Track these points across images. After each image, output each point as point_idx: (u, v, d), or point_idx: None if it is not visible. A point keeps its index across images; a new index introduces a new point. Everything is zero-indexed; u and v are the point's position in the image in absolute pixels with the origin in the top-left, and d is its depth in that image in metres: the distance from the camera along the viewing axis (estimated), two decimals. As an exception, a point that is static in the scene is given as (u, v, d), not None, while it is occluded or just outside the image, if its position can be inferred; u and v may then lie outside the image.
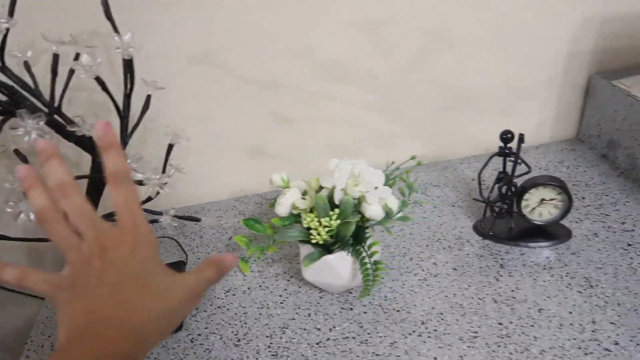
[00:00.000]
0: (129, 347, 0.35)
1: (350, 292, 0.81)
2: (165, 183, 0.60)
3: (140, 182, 0.58)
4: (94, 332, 0.35)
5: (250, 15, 0.88)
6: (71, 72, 0.59)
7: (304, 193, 0.78)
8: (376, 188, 0.74)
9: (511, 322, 0.73)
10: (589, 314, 0.72)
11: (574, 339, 0.69)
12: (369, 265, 0.71)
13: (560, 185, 0.81)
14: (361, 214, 0.74)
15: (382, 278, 0.80)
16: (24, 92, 0.58)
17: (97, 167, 0.64)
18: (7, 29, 0.54)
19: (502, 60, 1.00)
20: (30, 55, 0.65)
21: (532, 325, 0.72)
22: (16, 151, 0.71)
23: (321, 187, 0.75)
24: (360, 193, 0.72)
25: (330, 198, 0.73)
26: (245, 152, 1.04)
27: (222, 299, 0.83)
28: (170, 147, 0.72)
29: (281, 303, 0.81)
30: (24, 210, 0.48)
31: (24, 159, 0.71)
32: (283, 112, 0.98)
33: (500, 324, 0.73)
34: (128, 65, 0.60)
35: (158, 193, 0.61)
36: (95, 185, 0.67)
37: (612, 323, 0.70)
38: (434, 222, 0.93)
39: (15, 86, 0.58)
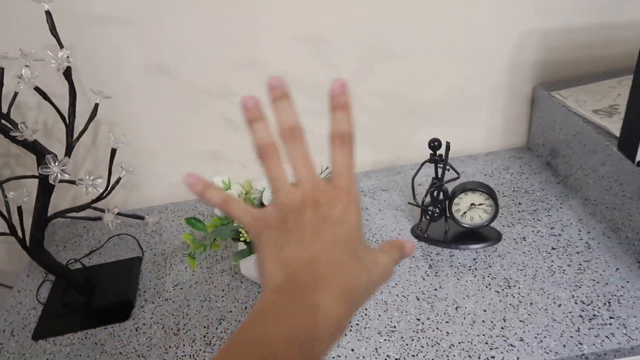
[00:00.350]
0: (341, 312, 0.32)
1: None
2: (99, 184, 0.66)
3: (73, 182, 0.65)
4: (311, 284, 0.33)
5: (200, 29, 0.95)
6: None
7: (241, 195, 0.85)
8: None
9: (428, 318, 0.78)
10: (502, 312, 0.77)
11: (483, 334, 0.74)
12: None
13: (487, 192, 0.86)
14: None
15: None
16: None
17: (40, 164, 0.71)
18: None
19: (447, 72, 1.05)
20: (-13, 68, 0.72)
21: (446, 322, 0.77)
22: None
23: (253, 189, 0.82)
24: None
25: (262, 200, 0.80)
26: (208, 156, 1.10)
27: (170, 292, 0.89)
28: (113, 150, 0.79)
29: (222, 297, 0.87)
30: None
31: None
32: (236, 119, 1.05)
33: (418, 319, 0.78)
34: (67, 78, 0.67)
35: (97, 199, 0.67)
36: (44, 185, 0.74)
37: (521, 321, 0.75)
38: (375, 225, 0.99)
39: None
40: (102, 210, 0.83)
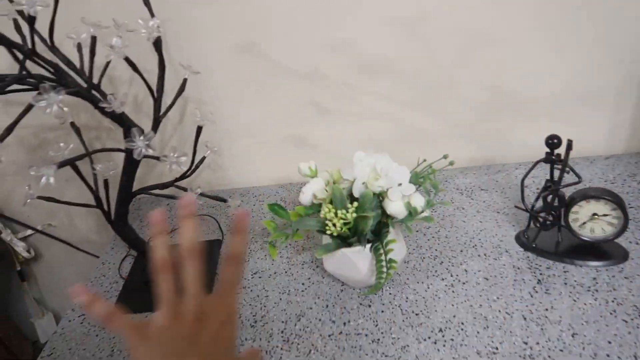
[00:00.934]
0: None
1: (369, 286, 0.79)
2: (184, 162, 0.63)
3: (157, 158, 0.62)
4: None
5: (290, 7, 0.88)
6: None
7: (328, 183, 0.78)
8: (400, 185, 0.71)
9: (538, 343, 0.67)
10: (632, 346, 0.64)
11: (607, 371, 0.62)
12: (383, 263, 0.69)
13: (615, 201, 0.73)
14: (383, 210, 0.72)
15: (391, 277, 0.77)
16: (66, 69, 0.63)
17: (129, 138, 0.68)
18: (55, 12, 0.60)
19: (561, 62, 0.91)
20: (84, 37, 0.71)
21: (561, 350, 0.65)
22: (72, 124, 0.78)
23: (342, 179, 0.74)
24: (381, 188, 0.70)
25: (351, 191, 0.72)
26: (290, 141, 1.05)
27: (249, 280, 0.85)
28: (199, 128, 0.75)
29: (302, 291, 0.81)
30: (45, 174, 0.52)
31: (77, 131, 0.78)
32: (323, 103, 0.98)
33: (525, 343, 0.67)
34: (156, 49, 0.63)
35: (182, 178, 0.64)
36: (130, 159, 0.71)
37: (657, 360, 0.62)
38: (473, 228, 0.88)
39: (60, 64, 0.63)
40: (185, 189, 0.80)
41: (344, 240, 0.73)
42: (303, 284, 0.83)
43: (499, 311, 0.72)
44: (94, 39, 0.61)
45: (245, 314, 0.78)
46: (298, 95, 0.99)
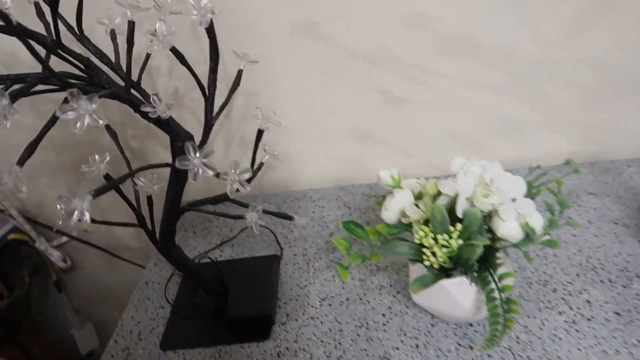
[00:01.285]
0: None
1: (471, 325, 0.65)
2: (248, 179, 0.49)
3: (217, 175, 0.48)
4: None
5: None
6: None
7: (418, 197, 0.63)
8: (514, 200, 0.56)
9: None
10: None
11: None
12: (498, 303, 0.55)
13: None
14: (491, 232, 0.57)
15: (517, 323, 0.62)
16: (98, 64, 0.50)
17: (177, 151, 0.55)
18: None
19: None
20: (118, 23, 0.57)
21: None
22: (107, 126, 0.65)
23: (439, 193, 0.59)
24: (492, 206, 0.55)
25: (451, 208, 0.57)
26: (353, 136, 0.90)
27: (317, 308, 0.72)
28: (259, 132, 0.61)
29: (384, 325, 0.67)
30: (78, 208, 0.40)
31: (114, 136, 0.65)
32: (395, 91, 0.82)
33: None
34: (209, 34, 0.49)
35: (237, 190, 0.50)
36: (179, 174, 0.58)
37: None
38: (587, 244, 0.72)
39: (92, 57, 0.50)
40: (242, 204, 0.66)
41: (441, 270, 0.58)
42: (383, 314, 0.69)
43: (643, 360, 0.56)
44: (131, 25, 0.48)
45: (318, 353, 0.65)
46: (363, 83, 0.83)
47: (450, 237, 0.55)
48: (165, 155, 0.95)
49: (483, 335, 0.63)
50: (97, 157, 0.56)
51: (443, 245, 0.55)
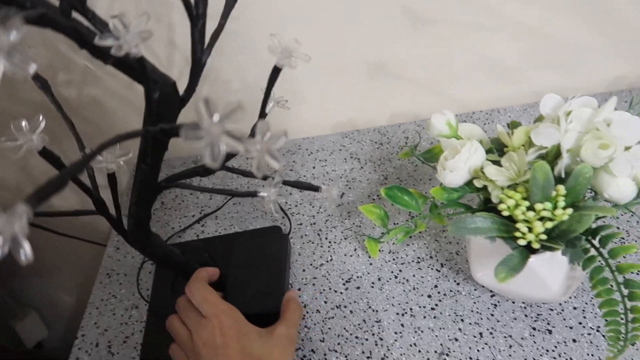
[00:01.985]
0: None
1: (544, 302, 0.52)
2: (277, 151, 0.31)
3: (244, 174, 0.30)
4: None
5: None
6: None
7: (489, 150, 0.48)
8: (628, 149, 0.42)
9: None
10: None
11: None
12: (614, 288, 0.41)
13: None
14: (594, 192, 0.43)
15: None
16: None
17: (153, 109, 0.35)
18: None
19: None
20: None
21: None
22: (37, 78, 0.43)
23: (529, 145, 0.44)
24: (609, 159, 0.41)
25: (553, 166, 0.42)
26: (359, 70, 0.71)
27: (342, 293, 0.57)
28: (276, 71, 0.41)
29: (432, 309, 0.54)
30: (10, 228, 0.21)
31: (45, 85, 0.43)
32: (418, 9, 0.64)
33: None
34: None
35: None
36: (156, 143, 0.39)
37: None
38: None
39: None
40: (245, 173, 0.47)
41: (527, 246, 0.44)
42: (430, 296, 0.55)
43: None
44: None
45: (355, 355, 0.51)
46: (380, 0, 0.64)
47: (555, 207, 0.40)
48: (122, 108, 0.72)
49: (560, 315, 0.51)
50: (24, 123, 0.35)
51: (545, 218, 0.40)
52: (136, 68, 0.32)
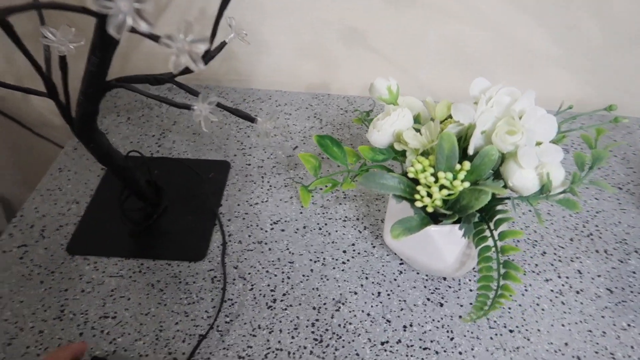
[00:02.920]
0: None
1: (444, 279, 0.56)
2: (203, 54, 0.34)
3: (154, 39, 0.33)
4: None
5: None
6: None
7: (416, 119, 0.50)
8: (538, 144, 0.45)
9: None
10: None
11: None
12: (493, 266, 0.44)
13: None
14: (500, 178, 0.46)
15: (512, 300, 0.53)
16: None
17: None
18: None
19: None
20: None
21: None
22: None
23: (448, 120, 0.47)
24: (514, 147, 0.43)
25: (460, 142, 0.45)
26: (338, 36, 0.74)
27: (266, 232, 0.60)
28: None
29: (343, 263, 0.57)
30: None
31: None
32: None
33: (669, 404, 0.46)
34: None
35: (186, 70, 0.35)
36: (102, 30, 0.41)
37: None
38: (586, 206, 0.63)
39: None
40: (191, 91, 0.50)
41: (428, 214, 0.47)
42: (344, 251, 0.58)
43: (635, 348, 0.49)
44: None
45: (261, 286, 0.54)
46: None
47: (455, 178, 0.43)
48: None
49: (456, 293, 0.54)
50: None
51: (444, 186, 0.43)
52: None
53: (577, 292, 0.54)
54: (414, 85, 0.78)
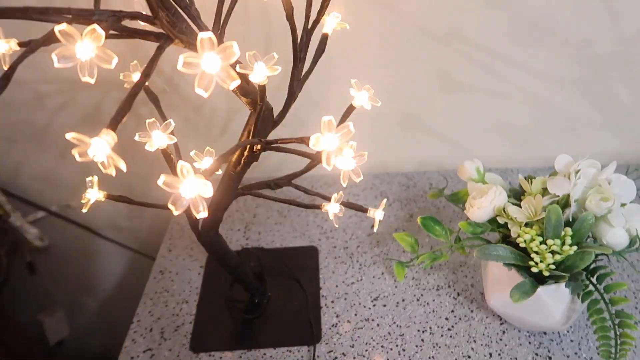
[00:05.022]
0: None
1: (545, 333, 0.61)
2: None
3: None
4: None
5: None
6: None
7: (512, 195, 0.58)
8: (623, 205, 0.52)
9: None
10: None
11: None
12: (607, 317, 0.50)
13: None
14: (594, 238, 0.53)
15: (634, 348, 0.57)
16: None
17: (256, 123, 0.45)
18: None
19: None
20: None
21: None
22: (147, 88, 0.54)
23: (543, 194, 0.54)
24: (608, 210, 0.50)
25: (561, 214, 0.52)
26: (396, 120, 0.83)
27: (370, 309, 0.65)
28: (350, 109, 0.52)
29: (449, 330, 0.62)
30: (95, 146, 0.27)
31: (155, 100, 0.54)
32: (453, 74, 0.76)
33: None
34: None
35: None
36: (252, 151, 0.48)
37: None
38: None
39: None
40: (311, 193, 0.57)
41: (536, 277, 0.53)
42: (447, 318, 0.63)
43: None
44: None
45: (380, 361, 0.59)
46: (423, 62, 0.76)
47: (563, 243, 0.49)
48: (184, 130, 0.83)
49: (559, 345, 0.59)
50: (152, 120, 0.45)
51: (554, 251, 0.49)
52: (257, 93, 0.43)
53: (668, 331, 0.59)
54: (469, 157, 0.86)
